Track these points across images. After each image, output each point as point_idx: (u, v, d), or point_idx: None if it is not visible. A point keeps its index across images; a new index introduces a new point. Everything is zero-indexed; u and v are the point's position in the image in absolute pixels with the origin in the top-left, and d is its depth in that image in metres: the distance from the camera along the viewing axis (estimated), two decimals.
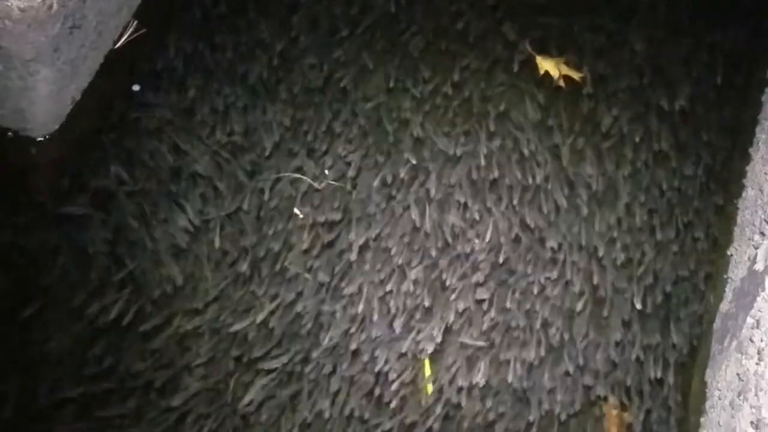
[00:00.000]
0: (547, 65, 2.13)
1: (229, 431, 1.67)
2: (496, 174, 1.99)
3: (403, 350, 1.79)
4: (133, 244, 1.81)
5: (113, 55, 1.94)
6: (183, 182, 1.89)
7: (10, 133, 1.83)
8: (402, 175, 1.97)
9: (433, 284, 1.87)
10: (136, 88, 1.99)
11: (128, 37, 1.96)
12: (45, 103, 1.80)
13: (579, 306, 1.86)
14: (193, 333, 1.74)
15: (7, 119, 1.82)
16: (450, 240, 1.90)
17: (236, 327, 1.76)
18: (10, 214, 1.79)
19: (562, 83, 2.12)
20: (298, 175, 1.93)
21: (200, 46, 2.05)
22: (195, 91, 2.00)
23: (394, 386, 1.76)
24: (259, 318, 1.77)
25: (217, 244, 1.83)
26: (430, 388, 1.77)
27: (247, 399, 1.70)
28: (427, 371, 1.78)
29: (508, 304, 1.85)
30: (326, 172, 1.94)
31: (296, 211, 1.90)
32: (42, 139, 1.84)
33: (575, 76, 2.13)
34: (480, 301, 1.86)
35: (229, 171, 1.91)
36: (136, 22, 1.97)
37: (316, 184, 1.93)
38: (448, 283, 1.87)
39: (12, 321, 1.68)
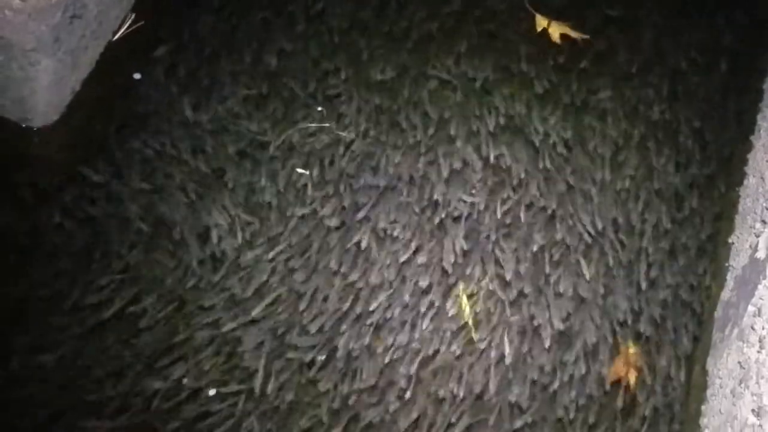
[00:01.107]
0: (544, 23, 2.16)
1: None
2: None
3: None
4: (132, 235, 1.81)
5: (113, 45, 1.94)
6: (185, 173, 1.90)
7: (10, 123, 1.83)
8: None
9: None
10: (137, 76, 1.99)
11: (127, 28, 1.96)
12: (45, 93, 1.80)
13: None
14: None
15: (7, 109, 1.82)
16: None
17: None
18: (10, 203, 1.79)
19: (558, 40, 2.14)
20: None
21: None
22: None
23: None
24: None
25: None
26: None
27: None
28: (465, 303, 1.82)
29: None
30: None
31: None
32: (43, 128, 1.84)
33: (575, 35, 2.14)
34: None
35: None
36: (134, 15, 1.97)
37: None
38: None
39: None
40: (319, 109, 2.01)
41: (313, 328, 1.75)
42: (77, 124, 1.88)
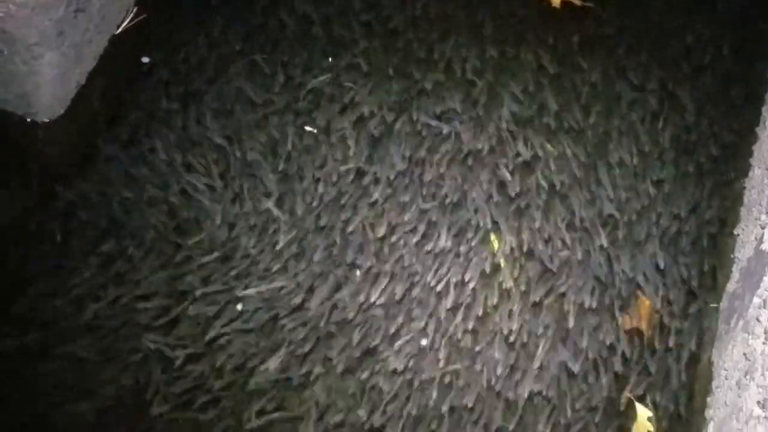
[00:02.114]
0: None
1: None
2: None
3: None
4: (137, 226, 1.81)
5: (117, 39, 1.94)
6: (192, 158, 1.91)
7: (15, 118, 1.83)
8: None
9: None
10: (145, 59, 1.99)
11: (130, 21, 1.96)
12: (50, 87, 1.80)
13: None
14: None
15: (12, 103, 1.82)
16: None
17: None
18: (16, 196, 1.79)
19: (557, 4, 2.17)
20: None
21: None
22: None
23: None
24: None
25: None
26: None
27: None
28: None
29: None
30: None
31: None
32: (47, 123, 1.84)
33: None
34: None
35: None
36: (136, 8, 1.97)
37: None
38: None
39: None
40: None
41: None
42: (82, 117, 1.88)
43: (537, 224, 1.90)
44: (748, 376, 1.52)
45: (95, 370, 1.65)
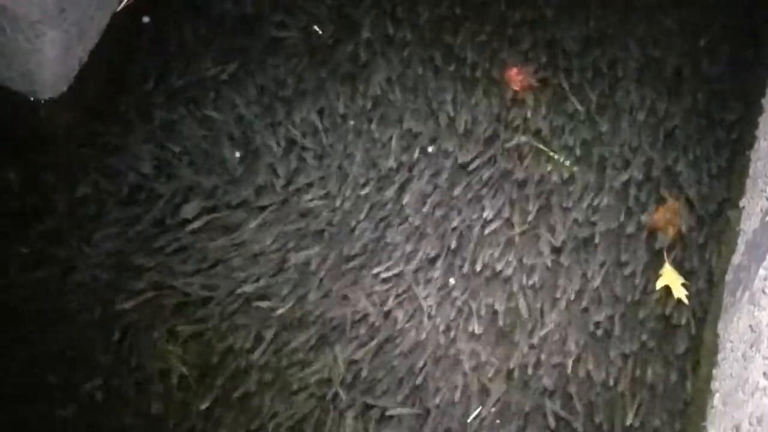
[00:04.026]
0: None
1: None
2: None
3: None
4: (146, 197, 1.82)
5: (119, 15, 1.93)
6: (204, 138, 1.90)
7: (18, 96, 1.83)
8: None
9: None
10: (145, 20, 1.99)
11: None
12: (52, 65, 1.79)
13: None
14: None
15: (15, 82, 1.82)
16: None
17: None
18: (21, 175, 1.80)
19: None
20: None
21: None
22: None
23: None
24: None
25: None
26: None
27: None
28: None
29: None
30: None
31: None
32: (51, 100, 1.84)
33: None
34: None
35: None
36: None
37: None
38: None
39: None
40: None
41: None
42: (86, 94, 1.88)
43: None
44: (753, 348, 1.52)
45: None
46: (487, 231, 1.85)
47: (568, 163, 1.93)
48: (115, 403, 1.62)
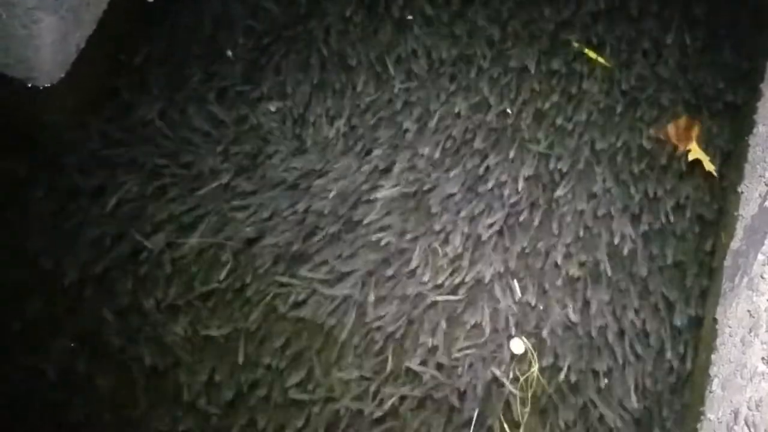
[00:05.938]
0: None
1: None
2: None
3: None
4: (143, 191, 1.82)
5: (116, 2, 1.93)
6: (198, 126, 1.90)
7: (16, 82, 1.82)
8: None
9: None
10: None
11: None
12: (49, 51, 1.79)
13: None
14: None
15: (12, 68, 1.81)
16: None
17: None
18: (18, 161, 1.79)
19: None
20: None
21: None
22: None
23: None
24: None
25: None
26: None
27: None
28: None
29: None
30: None
31: None
32: (48, 87, 1.84)
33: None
34: None
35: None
36: None
37: None
38: None
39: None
40: None
41: None
42: (83, 81, 1.87)
43: None
44: (752, 333, 1.53)
45: None
46: None
47: None
48: None
